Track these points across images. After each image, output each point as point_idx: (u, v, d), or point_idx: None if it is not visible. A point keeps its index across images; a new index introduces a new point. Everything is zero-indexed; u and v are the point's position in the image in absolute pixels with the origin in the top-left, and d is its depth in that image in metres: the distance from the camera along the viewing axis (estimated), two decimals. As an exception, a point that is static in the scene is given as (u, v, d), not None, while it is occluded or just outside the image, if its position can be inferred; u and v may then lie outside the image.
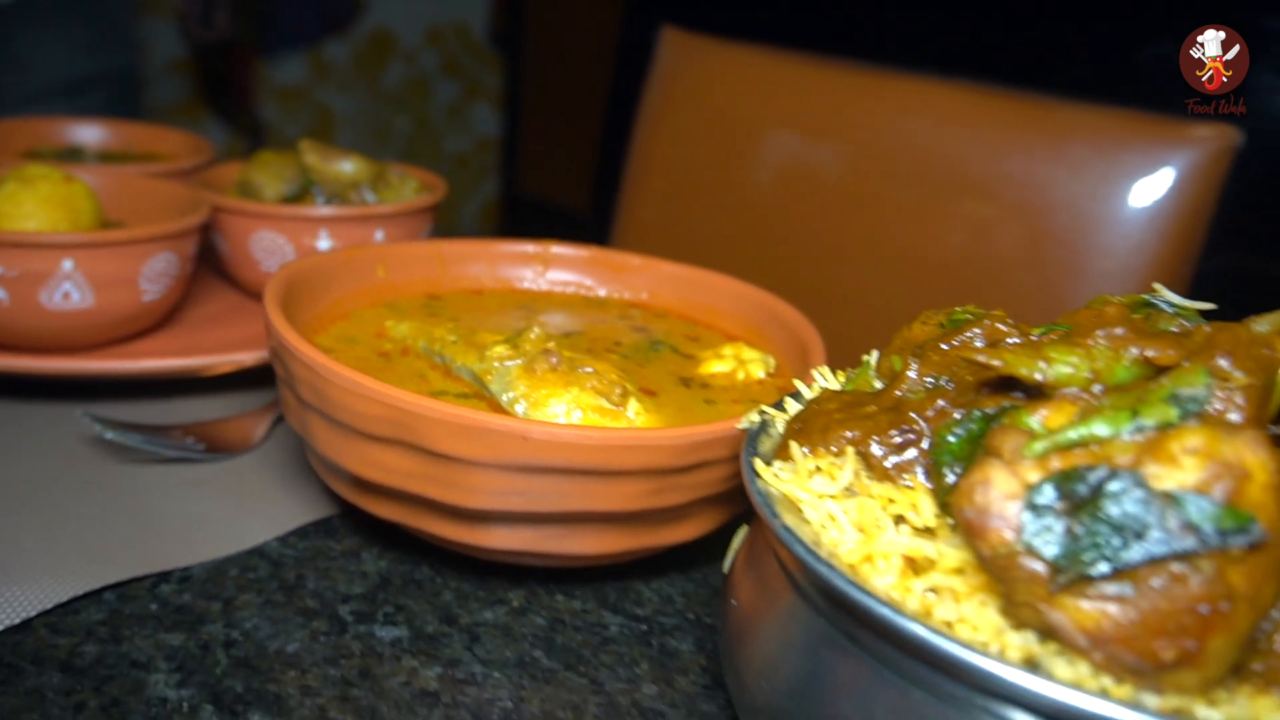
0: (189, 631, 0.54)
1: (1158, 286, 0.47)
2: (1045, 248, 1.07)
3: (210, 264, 0.95)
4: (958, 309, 0.50)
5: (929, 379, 0.46)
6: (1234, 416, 0.36)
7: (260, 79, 3.42)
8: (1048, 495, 0.35)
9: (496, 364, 0.62)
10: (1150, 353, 0.39)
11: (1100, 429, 0.35)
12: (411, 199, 0.93)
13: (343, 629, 0.56)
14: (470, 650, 0.55)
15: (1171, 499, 0.33)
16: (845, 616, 0.39)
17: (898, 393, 0.46)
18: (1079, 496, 0.34)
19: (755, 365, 0.69)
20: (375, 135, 3.66)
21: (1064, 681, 0.33)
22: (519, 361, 0.61)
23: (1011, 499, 0.35)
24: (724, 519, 0.61)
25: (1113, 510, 0.33)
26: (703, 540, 0.61)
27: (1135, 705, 0.32)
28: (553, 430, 0.52)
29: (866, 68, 1.23)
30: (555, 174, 3.56)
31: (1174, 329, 0.43)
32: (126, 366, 0.76)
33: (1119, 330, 0.40)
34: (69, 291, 0.74)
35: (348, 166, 0.95)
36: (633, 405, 0.60)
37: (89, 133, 1.17)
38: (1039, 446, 0.36)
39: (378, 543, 0.64)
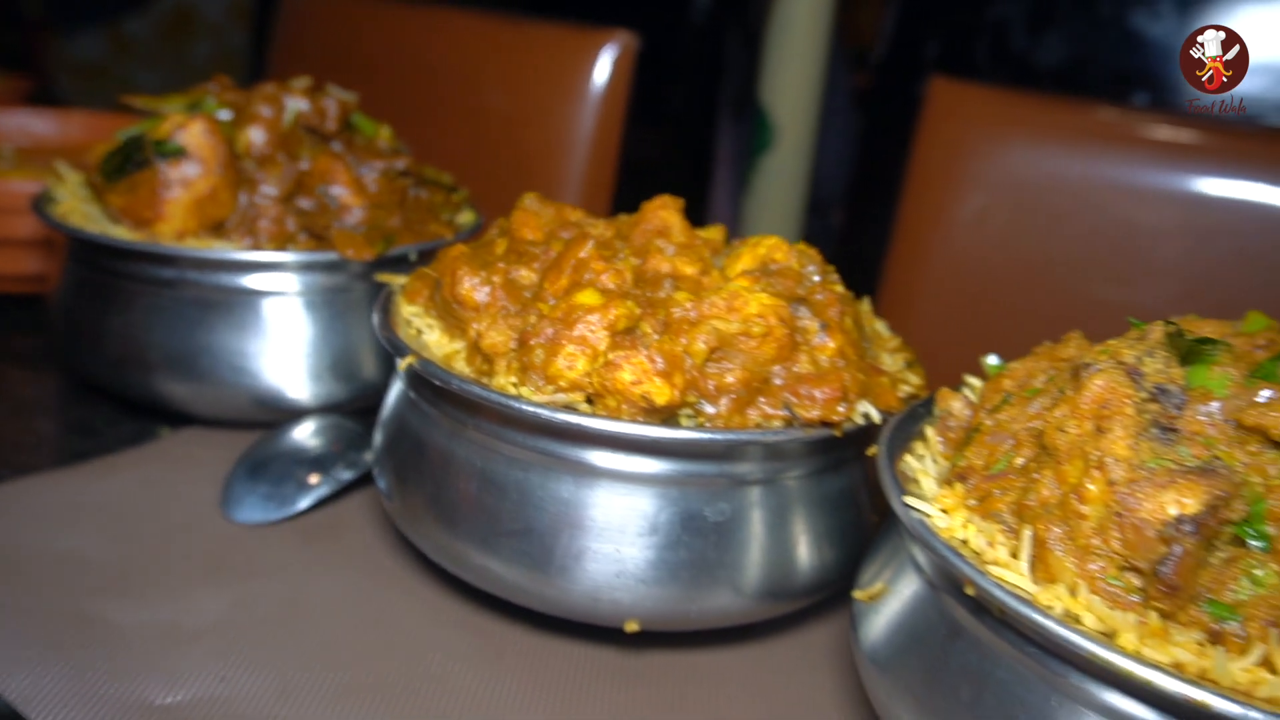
0: None
1: (339, 91, 0.83)
2: (520, 132, 1.46)
3: None
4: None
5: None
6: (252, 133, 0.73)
7: (57, 56, 3.31)
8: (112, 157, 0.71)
9: (-25, 166, 0.96)
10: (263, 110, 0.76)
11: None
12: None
13: None
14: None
15: (148, 143, 0.69)
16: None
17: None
18: (127, 154, 0.71)
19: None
20: (187, 112, 3.51)
21: (121, 235, 0.69)
22: (-15, 162, 0.95)
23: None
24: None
25: (129, 149, 0.70)
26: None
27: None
28: (-35, 183, 0.86)
29: (420, 5, 1.60)
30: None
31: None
32: None
33: (212, 86, 0.77)
34: None
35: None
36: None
37: None
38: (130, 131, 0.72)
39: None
